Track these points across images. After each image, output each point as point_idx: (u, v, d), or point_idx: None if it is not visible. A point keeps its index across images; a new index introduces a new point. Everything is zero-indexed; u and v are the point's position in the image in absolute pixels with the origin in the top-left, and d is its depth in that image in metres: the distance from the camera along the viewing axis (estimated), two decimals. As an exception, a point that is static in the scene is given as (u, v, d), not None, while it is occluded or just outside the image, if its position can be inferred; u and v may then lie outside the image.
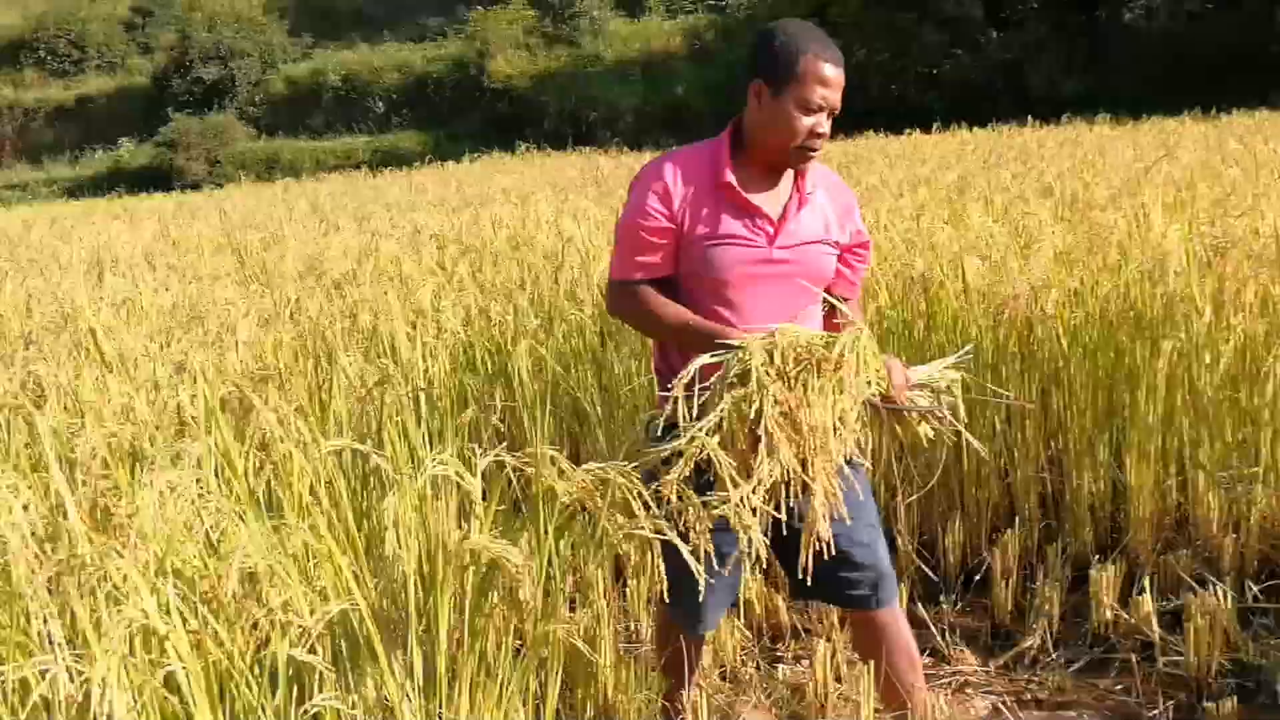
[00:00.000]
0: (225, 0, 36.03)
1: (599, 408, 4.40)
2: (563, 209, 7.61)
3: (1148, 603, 3.25)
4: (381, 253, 5.59)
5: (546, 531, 2.31)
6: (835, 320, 2.58)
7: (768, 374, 2.17)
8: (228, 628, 1.79)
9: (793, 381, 2.18)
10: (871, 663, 2.63)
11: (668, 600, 2.40)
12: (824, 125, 2.42)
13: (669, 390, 2.34)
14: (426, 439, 3.06)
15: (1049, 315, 3.89)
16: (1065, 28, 24.69)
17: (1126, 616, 3.32)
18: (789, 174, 2.52)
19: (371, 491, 2.76)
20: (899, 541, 3.91)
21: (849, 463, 2.47)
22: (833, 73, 2.39)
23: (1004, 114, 21.50)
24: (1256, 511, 3.50)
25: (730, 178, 2.44)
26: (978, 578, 3.84)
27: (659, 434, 2.38)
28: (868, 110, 24.88)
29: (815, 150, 2.44)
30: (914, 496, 3.88)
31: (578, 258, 4.95)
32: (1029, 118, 19.67)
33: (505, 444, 4.51)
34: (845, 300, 2.64)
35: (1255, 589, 3.35)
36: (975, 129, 18.77)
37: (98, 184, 32.28)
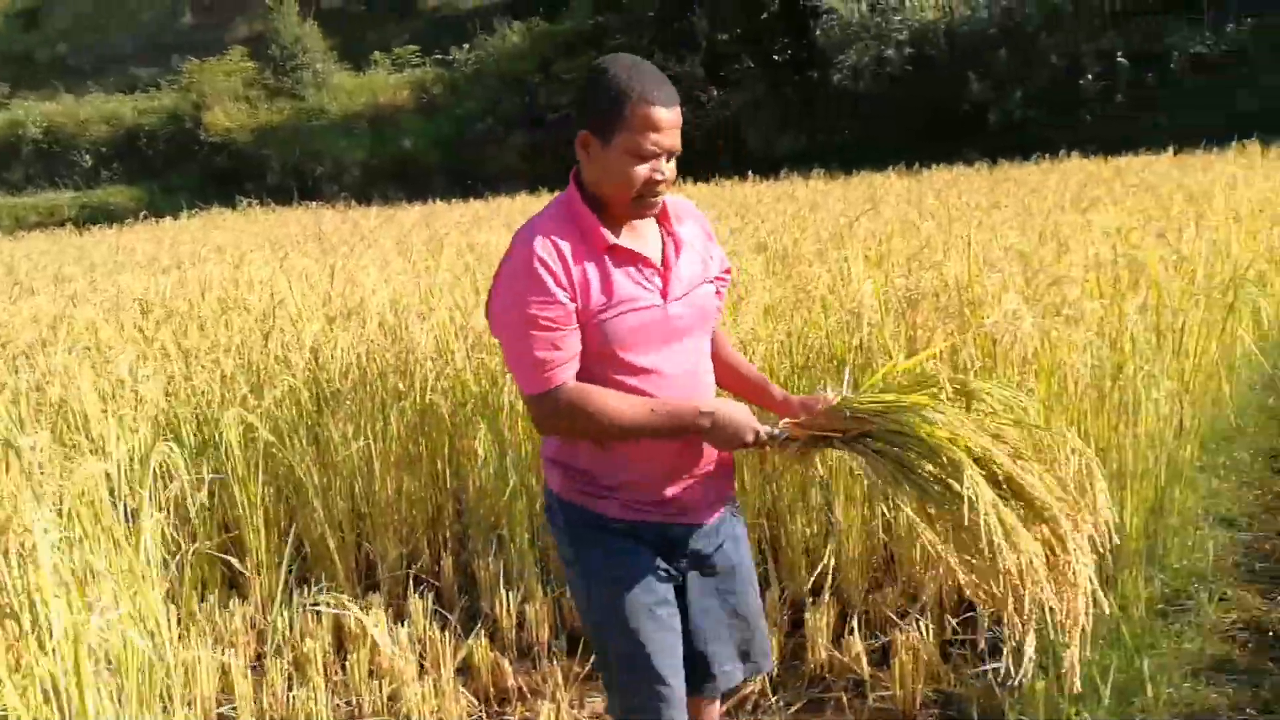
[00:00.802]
0: (-93, 45, 33.33)
1: (316, 476, 4.24)
2: (280, 268, 7.35)
3: (857, 642, 3.39)
4: (77, 319, 5.22)
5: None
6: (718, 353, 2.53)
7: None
8: None
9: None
10: None
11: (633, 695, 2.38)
12: (664, 169, 2.21)
13: (590, 489, 2.33)
14: (124, 518, 2.86)
15: (760, 367, 4.02)
16: (780, 88, 26.02)
17: (840, 656, 3.44)
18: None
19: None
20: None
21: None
22: (665, 115, 2.18)
23: (724, 169, 22.41)
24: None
25: (610, 238, 2.22)
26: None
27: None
28: (595, 165, 25.47)
29: (656, 198, 2.24)
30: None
31: (288, 320, 4.78)
32: (748, 173, 20.57)
33: (218, 517, 4.31)
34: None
35: (954, 622, 3.55)
36: (698, 184, 19.43)
37: None
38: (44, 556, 1.89)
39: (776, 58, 26.95)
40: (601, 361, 2.24)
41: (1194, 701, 3.20)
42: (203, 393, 4.35)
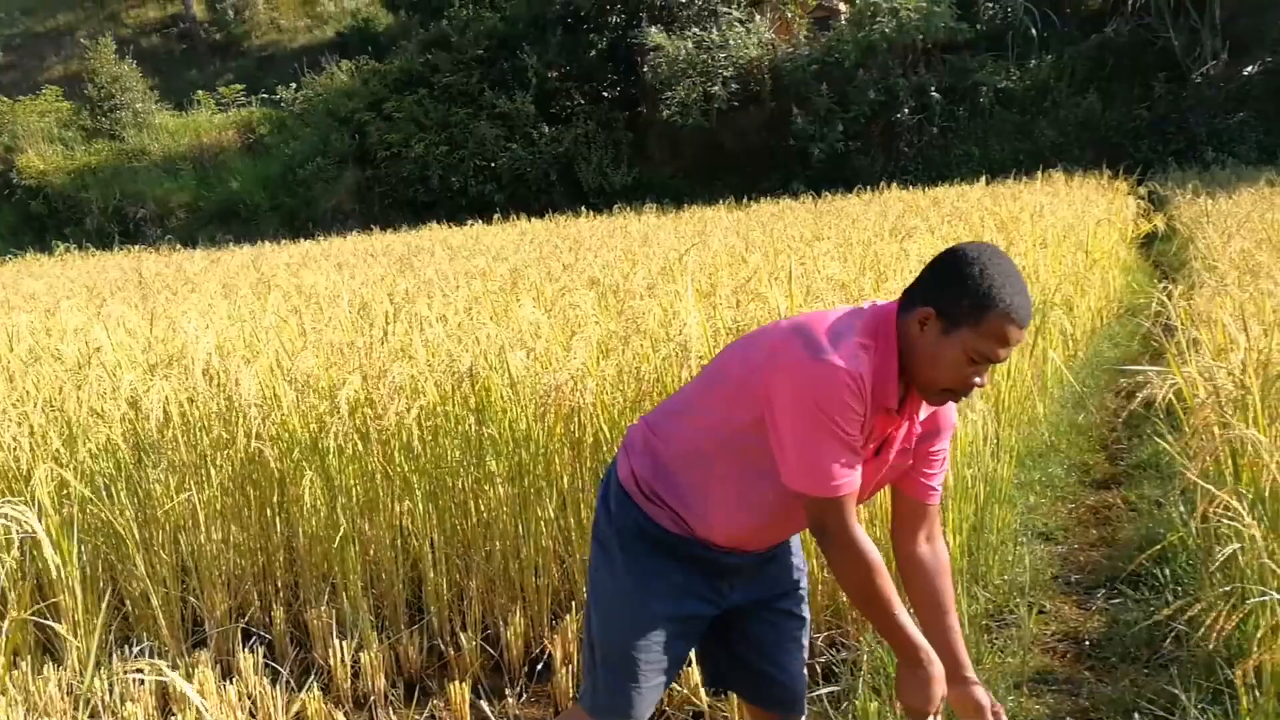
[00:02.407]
0: None
1: (136, 531, 4.08)
2: (98, 315, 7.07)
3: (695, 674, 3.43)
4: None
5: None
6: None
7: None
8: None
9: None
10: None
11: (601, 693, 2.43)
12: (983, 376, 2.18)
13: (660, 504, 2.36)
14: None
15: (589, 403, 4.05)
16: (611, 124, 26.32)
17: (678, 688, 3.47)
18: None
19: None
20: (461, 639, 3.90)
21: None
22: (1018, 334, 2.11)
23: (559, 205, 22.54)
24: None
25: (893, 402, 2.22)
26: (540, 665, 3.90)
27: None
28: (429, 202, 25.29)
29: (960, 399, 2.24)
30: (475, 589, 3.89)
31: (104, 369, 4.60)
32: (583, 208, 20.72)
33: (31, 578, 4.10)
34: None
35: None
36: (534, 219, 19.47)
37: None
38: None
39: (606, 94, 27.26)
40: (742, 454, 2.27)
41: (1018, 714, 3.33)
42: (10, 448, 4.15)
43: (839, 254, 6.90)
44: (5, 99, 31.82)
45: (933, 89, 23.49)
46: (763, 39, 25.25)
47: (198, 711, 3.51)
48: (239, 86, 33.03)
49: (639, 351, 4.39)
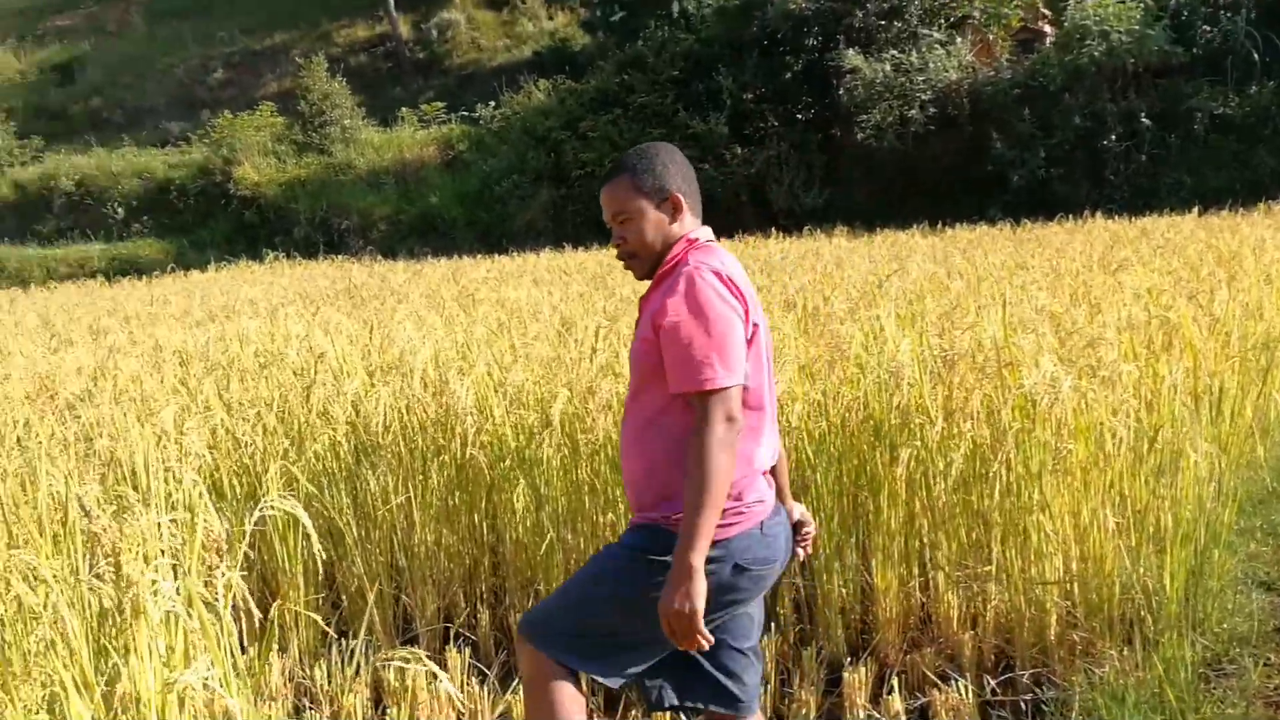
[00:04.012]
0: (-56, 101, 33.90)
1: (355, 528, 4.28)
2: (314, 322, 7.44)
3: (897, 701, 3.39)
4: (121, 371, 5.30)
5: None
6: None
7: None
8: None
9: None
10: None
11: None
12: (617, 236, 2.72)
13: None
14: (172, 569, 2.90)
15: (794, 426, 4.05)
16: (804, 146, 26.19)
17: (878, 716, 3.44)
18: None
19: (112, 627, 2.58)
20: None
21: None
22: (603, 198, 2.74)
23: (749, 226, 22.54)
24: (991, 609, 3.72)
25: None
26: (738, 685, 3.90)
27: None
28: (618, 222, 25.59)
29: (621, 260, 2.74)
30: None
31: (330, 375, 4.84)
32: (773, 229, 20.68)
33: (257, 570, 4.35)
34: None
35: (993, 683, 3.54)
36: (723, 239, 19.47)
37: None
38: (152, 612, 1.93)
39: (800, 116, 27.16)
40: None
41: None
42: (244, 445, 4.41)
43: (1047, 284, 6.71)
44: (226, 114, 33.72)
45: (1143, 115, 22.55)
46: (963, 62, 24.73)
47: (411, 705, 3.67)
48: (440, 104, 34.17)
49: (843, 377, 4.37)
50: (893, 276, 7.69)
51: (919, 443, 3.86)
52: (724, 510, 2.44)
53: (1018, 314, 5.17)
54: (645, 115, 26.97)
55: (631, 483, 2.66)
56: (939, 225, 18.32)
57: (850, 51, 24.83)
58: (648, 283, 2.73)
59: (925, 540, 3.99)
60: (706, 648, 2.39)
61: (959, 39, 25.29)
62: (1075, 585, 3.65)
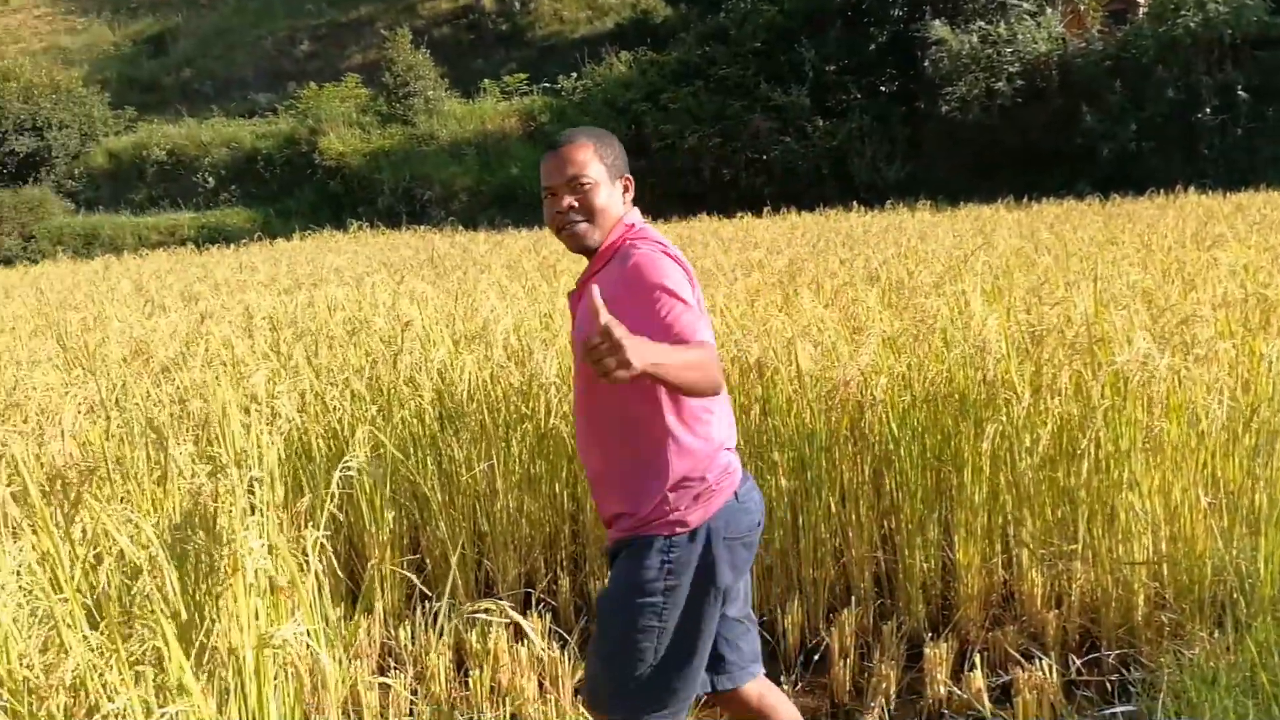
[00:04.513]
0: (42, 70, 34.74)
1: (439, 493, 4.35)
2: (399, 291, 7.54)
3: (978, 678, 3.36)
4: (213, 336, 5.42)
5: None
6: None
7: None
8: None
9: None
10: None
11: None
12: (559, 204, 2.60)
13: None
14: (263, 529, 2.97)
15: (879, 399, 4.03)
16: (887, 118, 25.87)
17: (959, 692, 3.42)
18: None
19: (204, 583, 2.66)
20: (741, 624, 3.95)
21: None
22: (549, 161, 2.63)
23: (830, 199, 22.35)
24: (1076, 587, 3.67)
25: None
26: (816, 657, 3.91)
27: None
28: (699, 193, 25.54)
29: (562, 231, 2.61)
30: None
31: (417, 343, 4.91)
32: (854, 203, 20.49)
33: (343, 532, 4.44)
34: None
35: (1078, 662, 3.50)
36: (804, 213, 19.41)
37: (-101, 258, 30.50)
38: (249, 569, 1.99)
39: (883, 89, 26.83)
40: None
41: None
42: (333, 410, 4.49)
43: (1138, 259, 6.57)
44: (312, 85, 34.18)
45: (1240, 87, 21.89)
46: (1053, 33, 24.21)
47: (494, 668, 3.73)
48: (522, 75, 34.28)
49: (928, 351, 4.33)
50: (978, 251, 7.58)
51: (1004, 418, 3.82)
52: (696, 494, 2.50)
53: (1109, 290, 5.07)
54: (726, 87, 26.83)
55: (596, 479, 2.67)
56: (1024, 199, 18.01)
57: (936, 23, 24.45)
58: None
59: (1009, 517, 3.94)
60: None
61: (1049, 10, 24.74)
62: (1164, 566, 3.58)
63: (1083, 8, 24.95)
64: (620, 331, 2.05)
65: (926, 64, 24.99)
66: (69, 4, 44.17)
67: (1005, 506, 3.92)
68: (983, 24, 24.29)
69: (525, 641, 3.82)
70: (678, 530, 2.51)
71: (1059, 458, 3.82)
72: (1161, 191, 17.04)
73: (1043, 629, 3.68)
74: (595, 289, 2.15)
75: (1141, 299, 4.97)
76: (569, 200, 2.57)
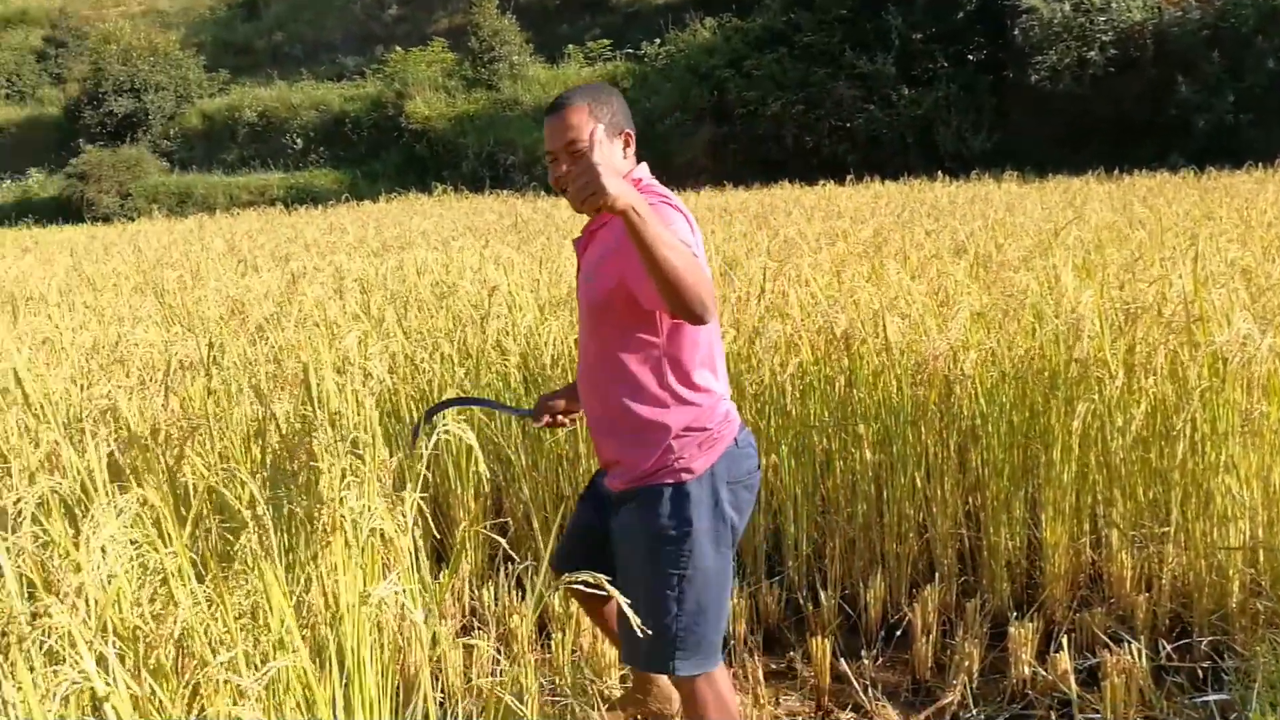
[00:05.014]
0: (141, 33, 35.52)
1: (524, 457, 4.39)
2: (485, 255, 7.60)
3: (1065, 660, 3.33)
4: (306, 297, 5.53)
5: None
6: None
7: None
8: (167, 688, 1.75)
9: None
10: None
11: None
12: (558, 169, 2.59)
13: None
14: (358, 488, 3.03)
15: (967, 375, 3.98)
16: (974, 87, 25.42)
17: (1044, 673, 3.39)
18: None
19: (300, 540, 2.72)
20: (821, 596, 3.96)
21: None
22: (550, 124, 2.61)
23: (914, 168, 22.05)
24: (1168, 570, 3.61)
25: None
26: (899, 632, 3.90)
27: None
28: (781, 160, 25.34)
29: (564, 194, 2.39)
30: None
31: (504, 307, 4.96)
32: (939, 172, 20.20)
33: (430, 492, 4.51)
34: None
35: (1168, 647, 3.45)
36: (887, 182, 19.18)
37: (4, 213, 31.46)
38: (347, 528, 2.04)
39: (971, 57, 26.34)
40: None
41: None
42: (423, 372, 4.56)
43: (1237, 235, 6.40)
44: (399, 49, 34.49)
45: (1346, 58, 21.16)
46: (1148, 2, 23.53)
47: (575, 633, 3.78)
48: (606, 41, 34.25)
49: (1018, 328, 4.28)
50: (1070, 225, 7.44)
51: (1096, 397, 3.76)
52: (699, 443, 2.58)
53: (1206, 267, 4.95)
54: (811, 54, 26.54)
55: (595, 424, 2.73)
56: (1116, 172, 17.59)
57: (1029, -10, 23.89)
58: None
59: (1099, 497, 3.89)
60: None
61: (1146, -24, 24.06)
62: (1261, 552, 3.51)
63: (1181, -25, 24.23)
64: (604, 162, 2.08)
65: (1016, 32, 24.46)
66: (166, -33, 44.97)
67: (1095, 486, 3.87)
68: (1076, -9, 23.71)
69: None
70: (684, 477, 2.58)
71: (1152, 438, 3.75)
72: (1260, 165, 16.53)
73: (1132, 612, 3.63)
74: (600, 127, 2.19)
75: (1241, 277, 4.84)
76: (566, 166, 2.55)
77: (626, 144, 2.68)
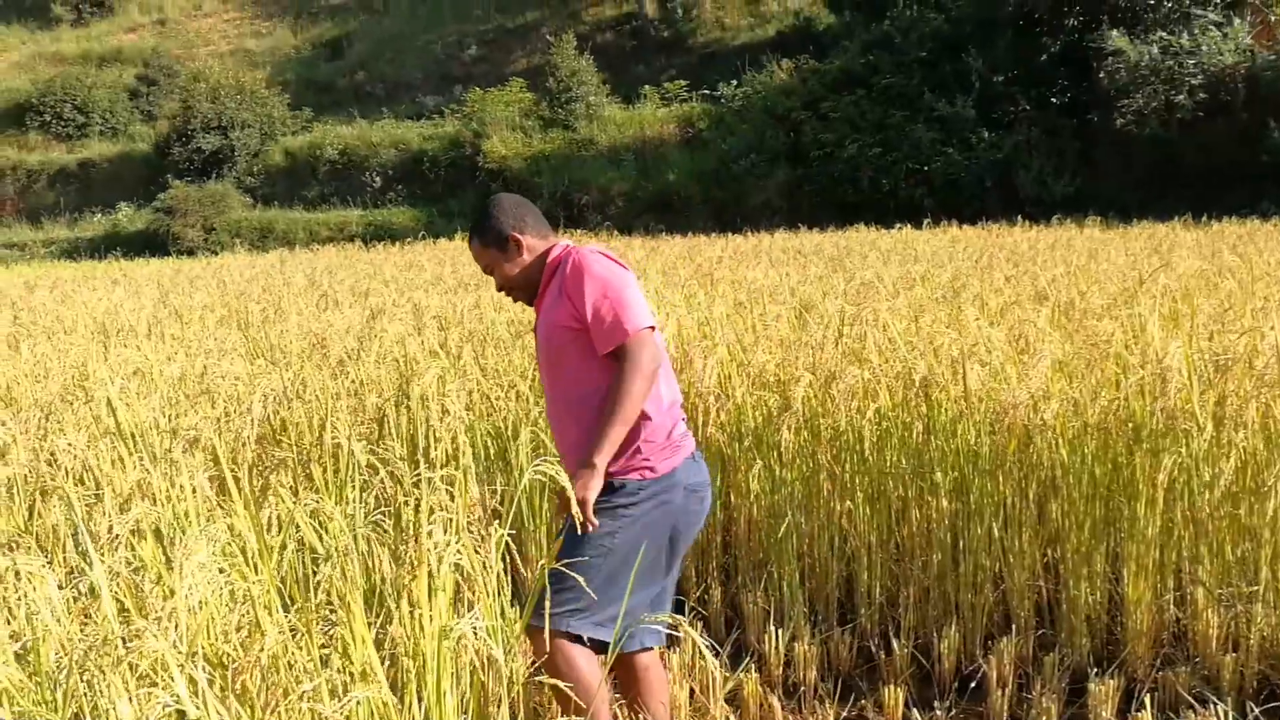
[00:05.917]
0: (229, 72, 36.53)
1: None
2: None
3: (1147, 718, 3.25)
4: (386, 333, 5.61)
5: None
6: None
7: None
8: (253, 715, 1.78)
9: None
10: None
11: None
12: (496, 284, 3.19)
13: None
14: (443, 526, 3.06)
15: (1048, 424, 3.93)
16: (1056, 131, 25.13)
17: None
18: None
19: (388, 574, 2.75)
20: (894, 644, 3.91)
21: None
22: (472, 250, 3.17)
23: (992, 212, 21.82)
24: (1256, 630, 3.52)
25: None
26: (973, 684, 3.83)
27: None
28: (856, 203, 25.23)
29: (505, 295, 3.23)
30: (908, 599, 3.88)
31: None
32: (1019, 217, 19.96)
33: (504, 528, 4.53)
34: None
35: (1256, 710, 3.35)
36: (965, 226, 19.01)
37: (94, 246, 32.38)
38: (431, 562, 2.07)
39: (1054, 100, 26.06)
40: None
41: None
42: (498, 410, 4.60)
43: (1330, 287, 6.24)
44: (477, 89, 35.00)
45: None
46: (1240, 44, 23.12)
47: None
48: (682, 82, 34.43)
49: (1102, 378, 4.21)
50: (1156, 272, 7.31)
51: (1183, 450, 3.68)
52: (662, 448, 2.97)
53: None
54: (889, 96, 26.45)
55: (572, 448, 2.99)
56: (1204, 218, 17.26)
57: (1114, 33, 23.58)
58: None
59: (1184, 553, 3.80)
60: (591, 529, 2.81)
61: (1236, 20, 23.64)
62: (1353, 613, 3.41)
63: (1273, 19, 23.78)
64: (575, 504, 2.71)
65: (1101, 75, 24.15)
66: (256, 9, 46.18)
67: (1180, 542, 3.78)
68: (1164, 34, 23.35)
69: (678, 649, 3.85)
70: (647, 475, 2.95)
71: (1242, 494, 3.66)
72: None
73: (1218, 672, 3.54)
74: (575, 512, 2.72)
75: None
76: (495, 281, 3.16)
77: (518, 245, 3.09)
